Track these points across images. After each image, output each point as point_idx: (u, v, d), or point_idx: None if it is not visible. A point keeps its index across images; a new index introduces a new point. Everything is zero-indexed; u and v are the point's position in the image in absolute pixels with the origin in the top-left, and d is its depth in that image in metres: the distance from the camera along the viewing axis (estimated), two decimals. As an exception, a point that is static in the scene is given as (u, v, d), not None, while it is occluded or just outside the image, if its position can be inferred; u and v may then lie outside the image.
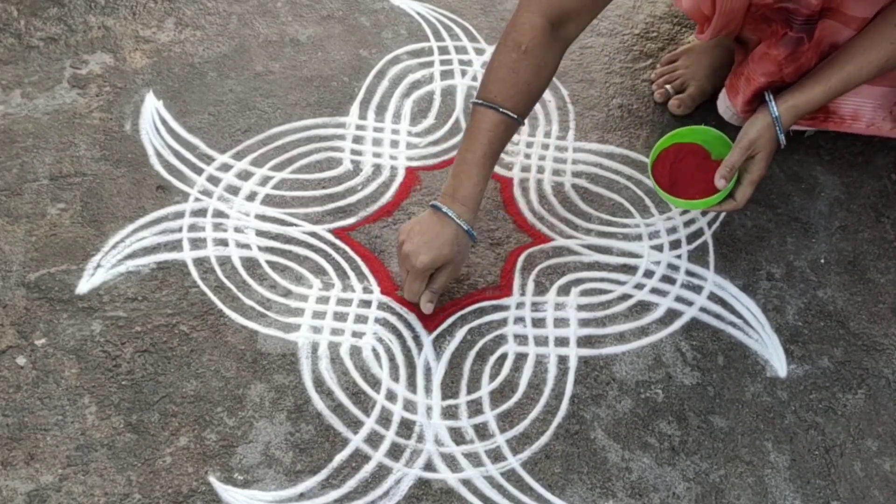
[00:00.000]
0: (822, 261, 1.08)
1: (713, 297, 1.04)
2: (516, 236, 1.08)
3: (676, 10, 1.32)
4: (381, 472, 0.90)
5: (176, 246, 1.04)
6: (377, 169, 1.13)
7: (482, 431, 0.94)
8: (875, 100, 1.03)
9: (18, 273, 1.01)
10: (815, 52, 0.94)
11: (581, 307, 1.03)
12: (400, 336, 0.99)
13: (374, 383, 0.96)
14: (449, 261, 0.93)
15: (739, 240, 1.09)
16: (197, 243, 1.05)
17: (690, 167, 1.01)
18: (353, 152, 1.14)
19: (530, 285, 1.04)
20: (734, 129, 1.01)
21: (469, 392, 0.96)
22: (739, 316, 1.03)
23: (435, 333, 1.00)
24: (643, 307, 1.03)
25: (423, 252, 0.91)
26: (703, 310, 1.03)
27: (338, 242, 1.06)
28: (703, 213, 1.11)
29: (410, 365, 0.97)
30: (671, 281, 1.05)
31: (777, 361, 1.00)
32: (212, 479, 0.89)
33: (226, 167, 1.11)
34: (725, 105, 1.13)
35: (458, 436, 0.93)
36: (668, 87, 1.19)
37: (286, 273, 1.03)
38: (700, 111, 1.19)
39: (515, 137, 1.16)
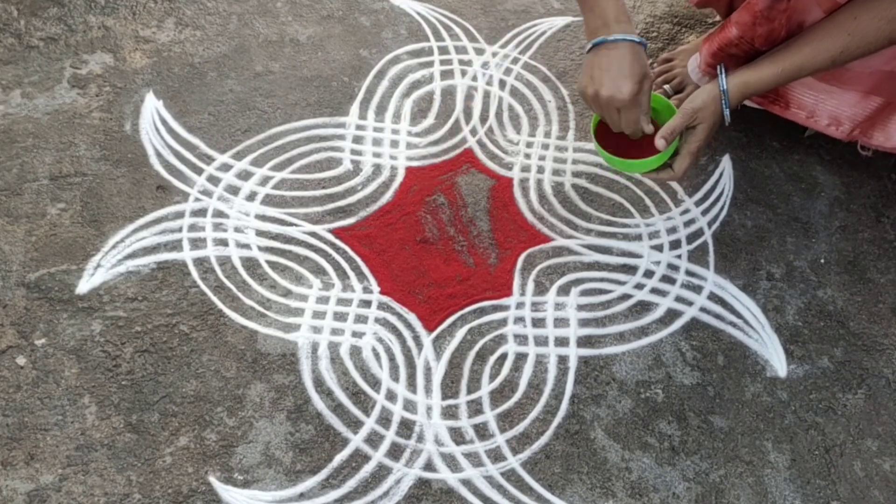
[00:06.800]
0: (822, 261, 1.08)
1: (713, 297, 1.04)
2: (516, 236, 1.08)
3: (676, 10, 1.32)
4: (381, 472, 0.90)
5: (176, 246, 1.04)
6: (377, 169, 1.13)
7: (482, 431, 0.94)
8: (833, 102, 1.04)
9: (18, 273, 1.01)
10: (786, 21, 0.94)
11: (581, 307, 1.03)
12: (400, 336, 0.99)
13: (374, 383, 0.96)
14: (643, 76, 0.90)
15: (739, 240, 1.09)
16: (197, 243, 1.05)
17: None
18: (353, 152, 1.14)
19: (530, 285, 1.04)
20: None
21: (469, 392, 0.96)
22: (739, 316, 1.03)
23: (435, 333, 1.00)
24: (643, 307, 1.03)
25: (622, 83, 0.89)
26: (703, 310, 1.03)
27: (338, 242, 1.06)
28: (703, 213, 1.11)
29: (410, 365, 0.97)
30: (671, 281, 1.05)
31: (777, 361, 1.00)
32: (212, 479, 0.89)
33: (226, 167, 1.11)
34: (696, 63, 1.11)
35: (458, 436, 0.93)
36: (666, 87, 1.19)
37: (286, 273, 1.03)
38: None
39: (515, 137, 1.16)
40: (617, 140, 0.99)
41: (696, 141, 0.95)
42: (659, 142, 0.93)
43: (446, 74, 1.23)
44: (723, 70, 0.94)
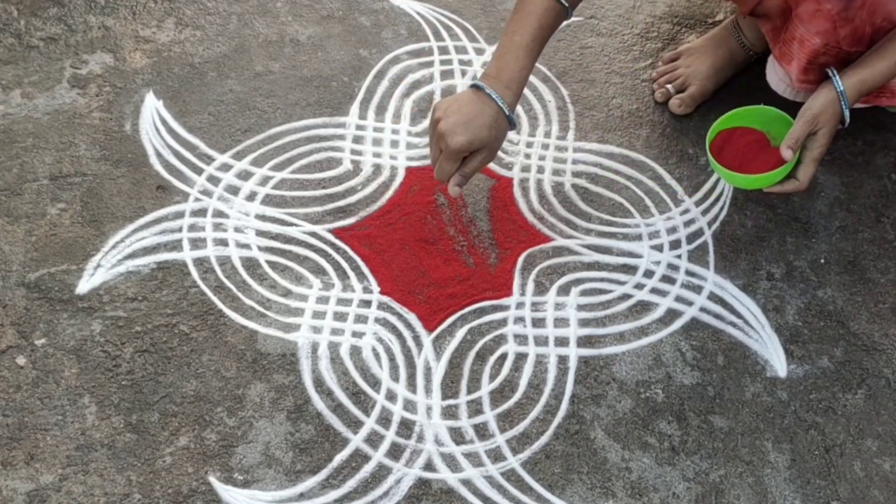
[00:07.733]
0: (822, 261, 1.08)
1: (713, 297, 1.04)
2: (516, 236, 1.08)
3: (676, 10, 1.32)
4: (381, 472, 0.90)
5: (176, 246, 1.04)
6: (377, 169, 1.13)
7: (482, 431, 0.94)
8: None
9: (18, 273, 1.01)
10: (868, 17, 0.92)
11: (581, 307, 1.03)
12: (400, 336, 0.99)
13: (374, 383, 0.96)
14: (485, 144, 0.89)
15: (739, 240, 1.09)
16: (197, 243, 1.05)
17: (749, 149, 1.00)
18: (353, 152, 1.14)
19: (530, 285, 1.04)
20: (787, 104, 1.00)
21: (469, 392, 0.96)
22: (739, 316, 1.03)
23: (435, 333, 1.00)
24: (643, 307, 1.03)
25: (460, 132, 0.87)
26: (703, 310, 1.03)
27: (338, 242, 1.06)
28: (703, 213, 1.11)
29: (410, 365, 0.97)
30: (671, 281, 1.05)
31: (777, 361, 1.00)
32: (212, 479, 0.89)
33: (226, 167, 1.11)
34: (778, 77, 1.09)
35: (458, 436, 0.93)
36: (668, 86, 1.19)
37: (286, 273, 1.03)
38: (700, 110, 1.19)
39: (515, 137, 1.16)
40: (731, 157, 0.99)
41: (819, 147, 0.94)
42: (786, 152, 0.92)
43: (446, 74, 1.23)
44: (834, 72, 0.93)
